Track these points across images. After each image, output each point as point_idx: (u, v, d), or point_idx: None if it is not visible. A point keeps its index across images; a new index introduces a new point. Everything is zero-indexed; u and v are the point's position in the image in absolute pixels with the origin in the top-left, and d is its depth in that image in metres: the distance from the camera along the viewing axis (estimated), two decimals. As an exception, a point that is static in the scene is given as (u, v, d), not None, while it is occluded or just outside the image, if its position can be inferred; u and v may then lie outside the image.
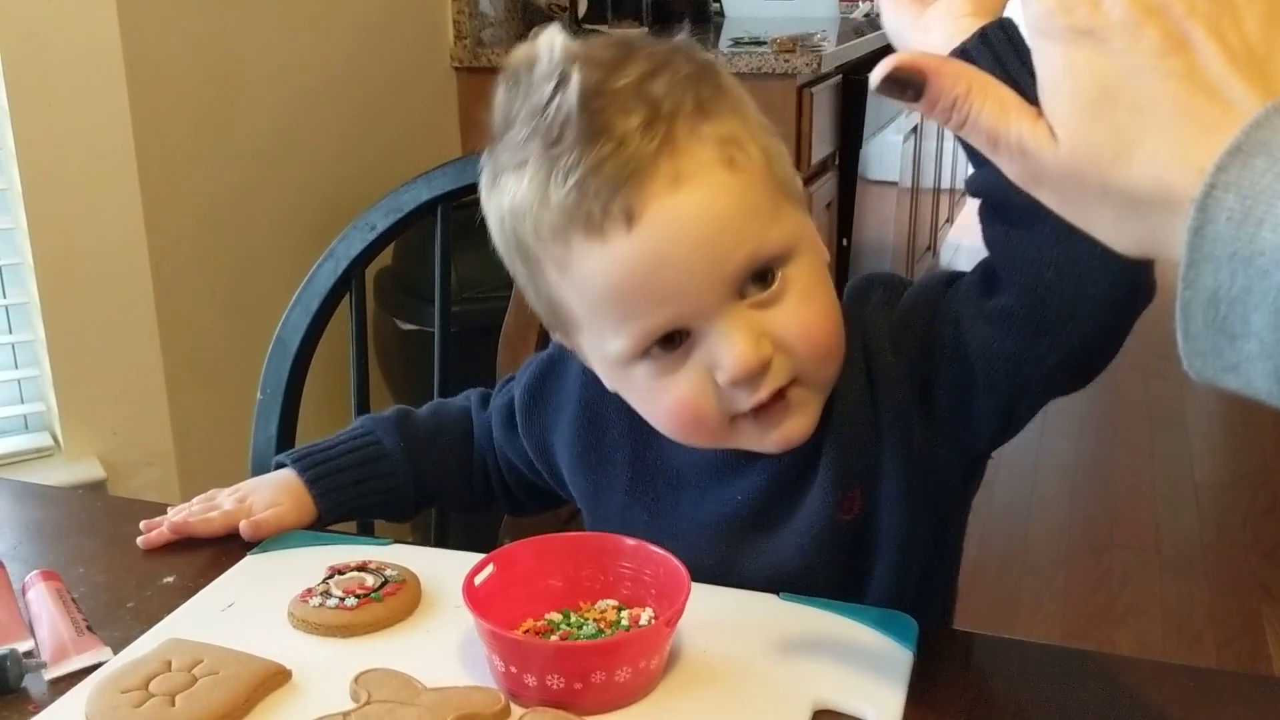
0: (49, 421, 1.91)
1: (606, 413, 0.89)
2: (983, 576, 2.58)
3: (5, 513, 0.98)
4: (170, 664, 0.71)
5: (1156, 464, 3.16)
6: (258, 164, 2.08)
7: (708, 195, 0.71)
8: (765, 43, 2.55)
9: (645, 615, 0.74)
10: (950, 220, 4.83)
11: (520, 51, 0.75)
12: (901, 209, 3.65)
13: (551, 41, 0.73)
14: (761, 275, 0.74)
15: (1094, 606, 2.52)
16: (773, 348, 0.74)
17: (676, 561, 0.73)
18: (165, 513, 0.93)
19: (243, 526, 0.90)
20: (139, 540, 0.90)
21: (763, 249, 0.73)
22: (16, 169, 1.73)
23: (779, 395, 0.75)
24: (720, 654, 0.73)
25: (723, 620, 0.76)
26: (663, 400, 0.77)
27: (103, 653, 0.75)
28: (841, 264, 2.91)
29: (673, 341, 0.74)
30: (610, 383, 0.82)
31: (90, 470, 1.87)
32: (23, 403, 1.91)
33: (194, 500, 0.94)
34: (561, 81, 0.71)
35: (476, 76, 2.59)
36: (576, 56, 0.72)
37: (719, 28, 3.27)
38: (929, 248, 4.35)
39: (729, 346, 0.72)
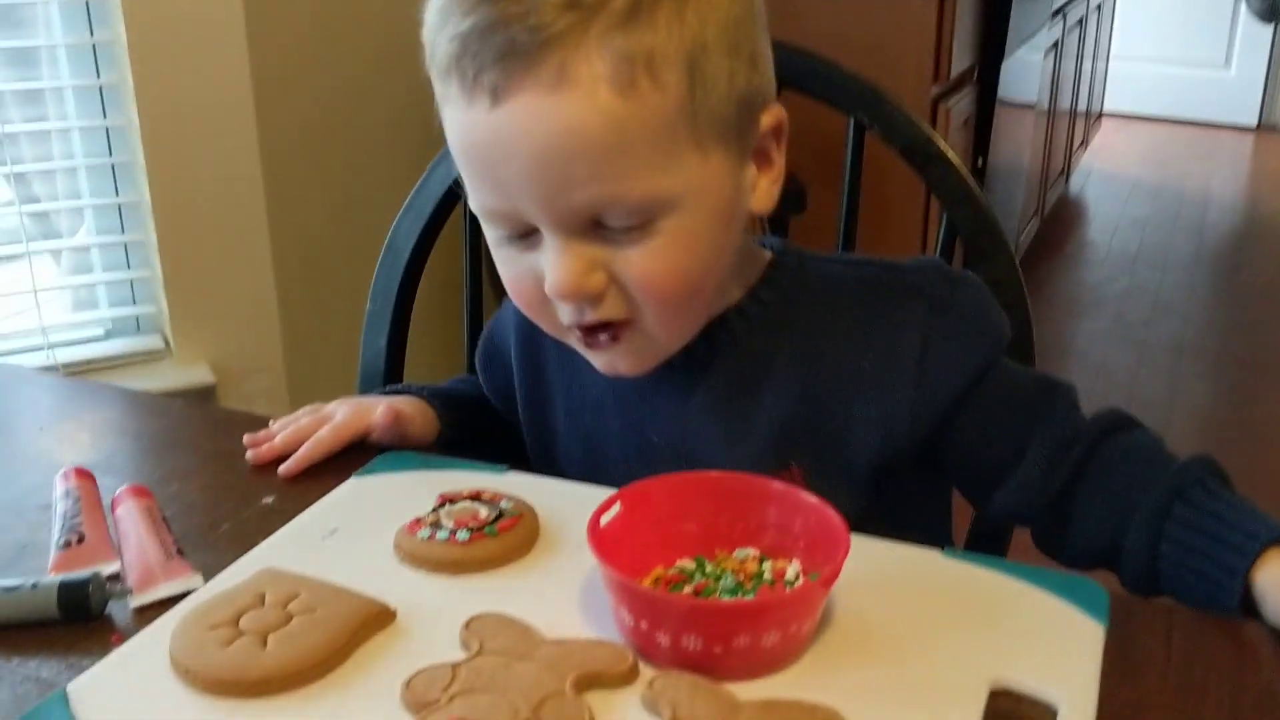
0: (160, 323, 1.88)
1: (543, 349, 0.85)
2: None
3: (103, 420, 0.92)
4: (264, 598, 0.64)
5: (1305, 409, 2.96)
6: (371, 62, 2.00)
7: (578, 112, 0.63)
8: (907, -58, 2.38)
9: (792, 569, 0.65)
10: (1085, 144, 4.58)
11: None
12: (1038, 131, 3.44)
13: None
14: (619, 217, 0.67)
15: None
16: (606, 281, 0.69)
17: (832, 512, 0.63)
18: (268, 425, 0.86)
19: (382, 412, 0.83)
20: (248, 456, 0.83)
21: (620, 196, 0.66)
22: (129, 65, 1.68)
23: (610, 331, 0.72)
24: (878, 618, 0.63)
25: (879, 577, 0.67)
26: (505, 271, 0.74)
27: (192, 580, 0.69)
28: (977, 185, 2.75)
29: (524, 235, 0.70)
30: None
31: (200, 375, 1.84)
32: (135, 304, 1.88)
33: (300, 412, 0.87)
34: None
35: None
36: None
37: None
38: (1062, 172, 4.12)
39: (553, 264, 0.68)
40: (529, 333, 0.84)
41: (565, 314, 0.71)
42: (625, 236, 0.68)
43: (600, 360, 0.75)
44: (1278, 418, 2.92)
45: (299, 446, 0.83)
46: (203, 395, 1.85)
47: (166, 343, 1.87)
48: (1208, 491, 0.70)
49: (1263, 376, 3.16)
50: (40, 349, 1.80)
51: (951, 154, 0.99)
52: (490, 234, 0.73)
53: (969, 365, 0.76)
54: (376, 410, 0.84)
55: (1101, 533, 0.72)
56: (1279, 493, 2.57)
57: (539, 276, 0.70)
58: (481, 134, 0.66)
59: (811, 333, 0.78)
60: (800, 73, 1.01)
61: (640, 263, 0.68)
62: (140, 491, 0.76)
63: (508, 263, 0.73)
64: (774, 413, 0.78)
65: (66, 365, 1.79)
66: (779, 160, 0.75)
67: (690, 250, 0.69)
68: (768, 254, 0.81)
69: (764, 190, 0.74)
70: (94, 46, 1.73)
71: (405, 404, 0.86)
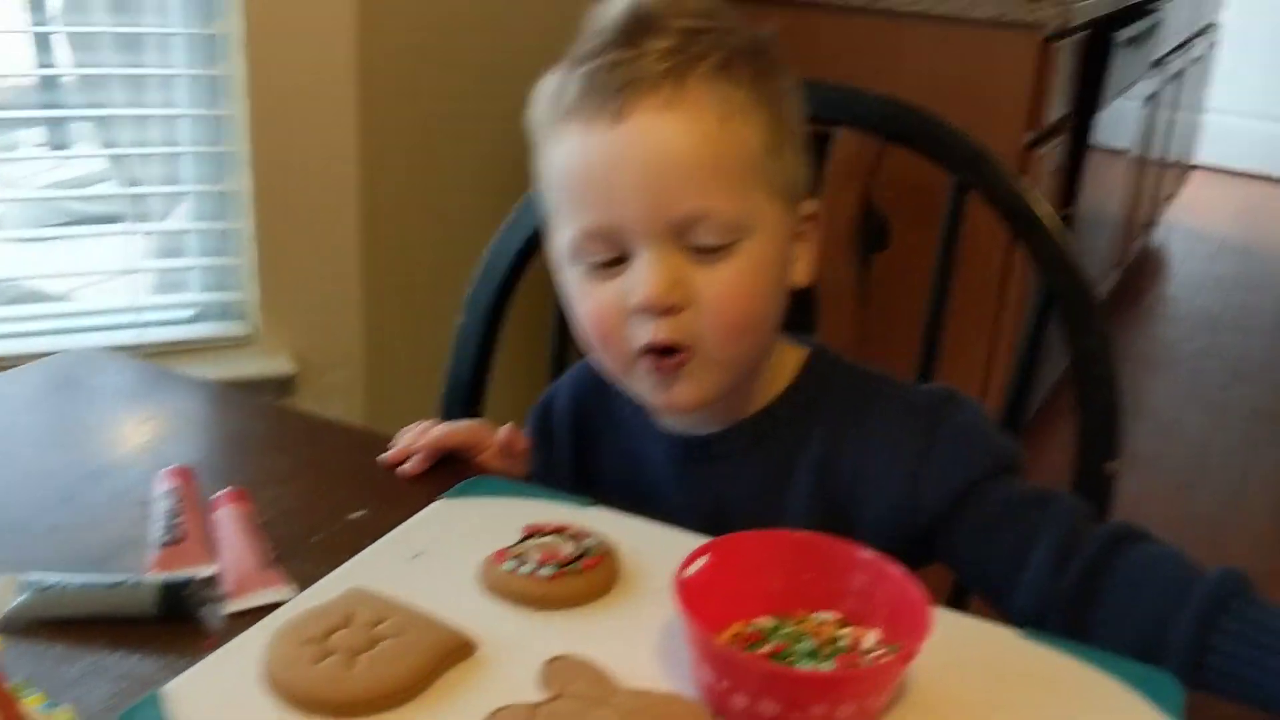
0: (248, 311, 1.92)
1: (595, 428, 0.92)
2: (1175, 586, 2.41)
3: (200, 415, 0.95)
4: (352, 617, 0.66)
5: (1382, 487, 2.90)
6: (482, 77, 2.03)
7: (686, 129, 0.74)
8: (1011, -12, 2.37)
9: (870, 638, 0.65)
10: (1173, 196, 4.52)
11: None
12: (1127, 180, 3.41)
13: None
14: (708, 234, 0.75)
15: None
16: (684, 298, 0.76)
17: (917, 586, 0.64)
18: (388, 443, 0.90)
19: (506, 431, 0.90)
20: (396, 464, 0.88)
21: (716, 210, 0.74)
22: (244, 59, 1.73)
23: (676, 356, 0.77)
24: (951, 695, 0.64)
25: (954, 652, 0.67)
26: (585, 304, 0.80)
27: (286, 590, 0.71)
28: (1061, 235, 2.72)
29: (610, 264, 0.77)
30: (559, 280, 0.83)
31: (282, 364, 1.88)
32: (225, 291, 1.93)
33: (401, 433, 0.91)
34: (624, 3, 0.77)
35: (700, 0, 2.49)
36: None
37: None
38: (1148, 224, 4.07)
39: (646, 273, 0.75)
40: (583, 408, 0.92)
41: (642, 332, 0.77)
42: (710, 258, 0.76)
43: (662, 390, 0.80)
44: (1352, 495, 2.86)
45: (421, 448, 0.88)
46: (283, 385, 1.89)
47: (252, 330, 1.91)
48: (1250, 602, 0.71)
49: (1339, 451, 3.10)
50: (130, 327, 1.85)
51: (1055, 222, 0.99)
52: (574, 271, 0.80)
53: (963, 473, 0.81)
54: (499, 431, 0.90)
55: (1129, 643, 0.72)
56: (1348, 573, 2.53)
57: (623, 296, 0.77)
58: (599, 152, 0.75)
59: (830, 438, 0.84)
60: (907, 128, 1.02)
61: (719, 284, 0.76)
62: (240, 496, 0.79)
63: (588, 295, 0.79)
64: (795, 510, 0.84)
65: (153, 345, 1.84)
66: (813, 247, 0.84)
67: (760, 278, 0.78)
68: (804, 352, 0.88)
69: (803, 265, 0.84)
70: (211, 38, 1.77)
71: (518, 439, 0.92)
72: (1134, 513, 2.97)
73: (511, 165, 2.10)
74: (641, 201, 0.74)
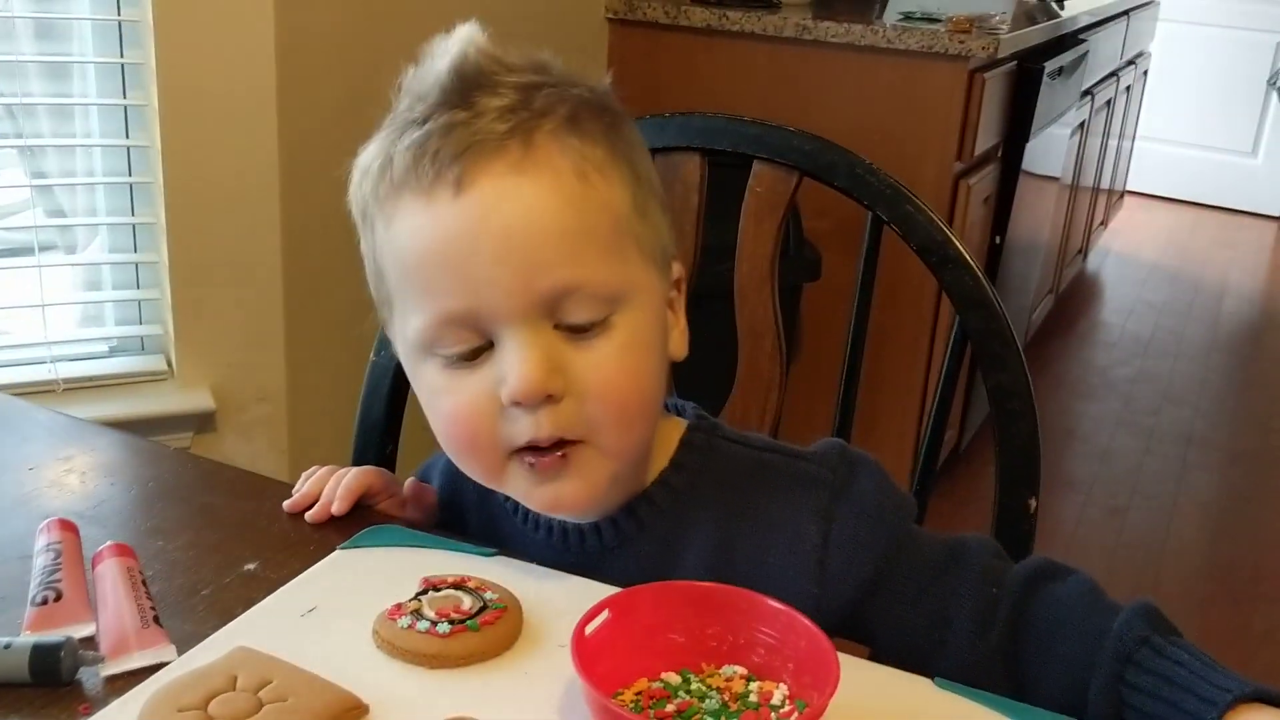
0: (165, 346, 1.87)
1: (463, 515, 0.85)
2: (1108, 612, 2.42)
3: (92, 464, 0.91)
4: (236, 680, 0.63)
5: (1310, 511, 2.94)
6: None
7: (546, 193, 0.66)
8: (939, 20, 2.39)
9: (779, 693, 0.63)
10: (1105, 224, 4.58)
11: (435, 42, 0.72)
12: (1059, 208, 3.44)
13: (463, 31, 0.71)
14: (580, 310, 0.68)
15: (1229, 659, 2.32)
16: (564, 386, 0.68)
17: (824, 639, 0.62)
18: (290, 489, 0.86)
19: (410, 484, 0.86)
20: (302, 510, 0.83)
21: (588, 280, 0.67)
22: (156, 88, 1.68)
23: (560, 450, 0.69)
24: (862, 750, 0.62)
25: (865, 705, 0.65)
26: (445, 404, 0.71)
27: (166, 651, 0.67)
28: (993, 262, 2.74)
29: (470, 355, 0.69)
30: (410, 372, 0.75)
31: (201, 400, 1.83)
32: (141, 324, 1.88)
33: (303, 478, 0.87)
34: (448, 56, 0.70)
35: (630, 29, 2.49)
36: (478, 46, 0.70)
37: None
38: (1080, 250, 4.12)
39: (518, 361, 0.66)
40: (456, 491, 0.85)
41: (520, 429, 0.69)
42: (585, 337, 0.68)
43: (546, 492, 0.72)
44: (1278, 518, 2.90)
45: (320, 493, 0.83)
46: (202, 421, 1.84)
47: (170, 365, 1.86)
48: (1156, 650, 0.68)
49: (1269, 473, 3.14)
50: (44, 361, 1.79)
51: (968, 257, 0.98)
52: (428, 365, 0.71)
53: (870, 554, 0.76)
54: (405, 481, 0.85)
55: (1059, 696, 0.71)
56: (1274, 595, 2.55)
57: (492, 390, 0.68)
58: (446, 226, 0.66)
59: (720, 516, 0.77)
60: (823, 166, 1.01)
61: (600, 363, 0.68)
62: (123, 550, 0.75)
63: (449, 393, 0.70)
64: None
65: (68, 380, 1.79)
66: (682, 315, 0.78)
67: (643, 354, 0.71)
68: (680, 424, 0.80)
69: (676, 337, 0.77)
70: (122, 67, 1.73)
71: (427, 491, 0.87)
72: (1070, 537, 3.00)
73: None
74: (502, 279, 0.66)
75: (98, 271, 1.86)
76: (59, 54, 1.74)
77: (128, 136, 1.77)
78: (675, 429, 0.80)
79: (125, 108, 1.75)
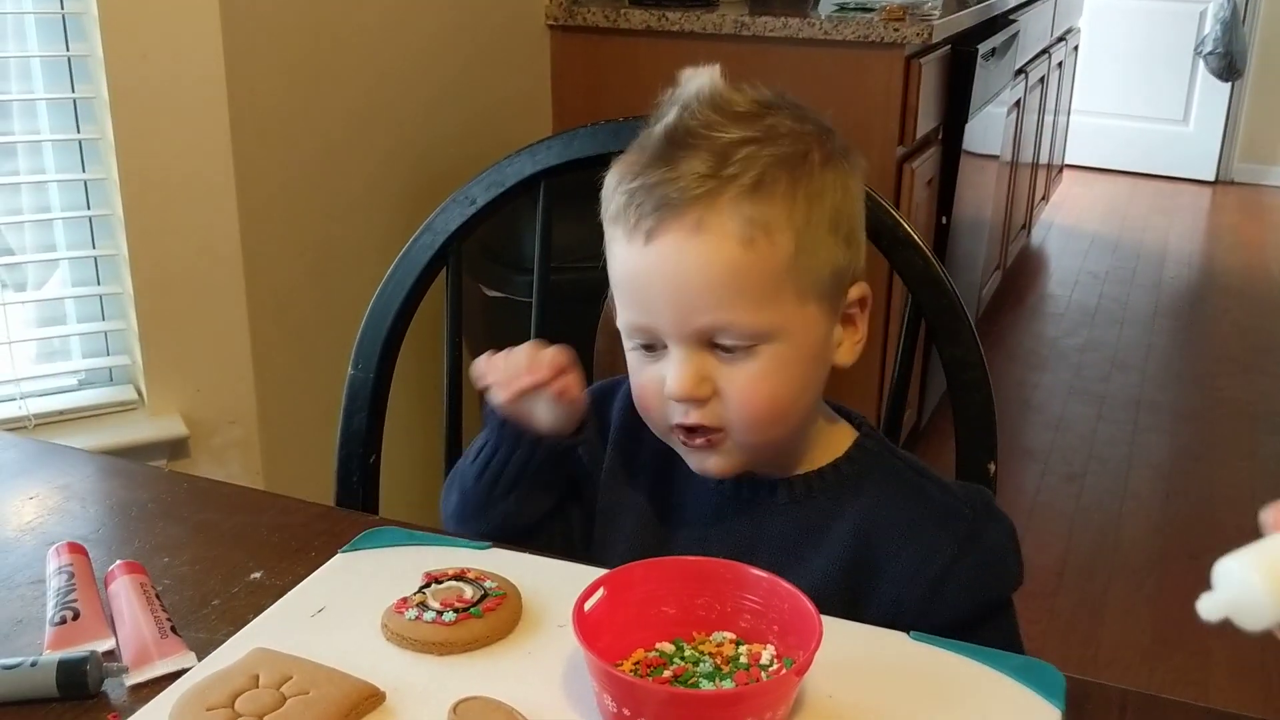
0: (134, 375, 1.89)
1: (640, 444, 0.93)
2: (1070, 575, 2.49)
3: (90, 490, 0.94)
4: (258, 678, 0.66)
5: (1258, 465, 3.03)
6: (349, 122, 2.03)
7: (709, 255, 0.79)
8: (873, 9, 2.45)
9: (767, 654, 0.68)
10: (1046, 198, 4.68)
11: (685, 74, 0.85)
12: (1000, 185, 3.53)
13: (699, 77, 0.84)
14: (729, 339, 0.81)
15: (1188, 613, 2.36)
16: (713, 392, 0.82)
17: (806, 601, 0.67)
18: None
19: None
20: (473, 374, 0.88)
21: (734, 323, 0.80)
22: (110, 119, 1.70)
23: (706, 436, 0.83)
24: (847, 700, 0.67)
25: (848, 660, 0.70)
26: (635, 378, 0.87)
27: (186, 658, 0.71)
28: (940, 242, 2.81)
29: (652, 347, 0.84)
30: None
31: (173, 427, 1.85)
32: (109, 355, 1.89)
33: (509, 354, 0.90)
34: (676, 109, 0.83)
35: (571, 35, 2.52)
36: (705, 98, 0.82)
37: (821, -9, 3.16)
38: (1024, 225, 4.21)
39: (675, 370, 0.82)
40: (631, 435, 0.94)
41: (675, 413, 0.84)
42: (733, 357, 0.81)
43: (694, 459, 0.86)
44: (1228, 474, 2.99)
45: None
46: (175, 447, 1.86)
47: (140, 395, 1.88)
48: None
49: (1216, 430, 3.23)
50: (12, 399, 1.80)
51: (918, 238, 1.03)
52: (628, 343, 0.87)
53: (974, 601, 0.84)
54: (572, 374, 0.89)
55: None
56: (1229, 548, 2.63)
57: (661, 380, 0.83)
58: (636, 265, 0.82)
59: (871, 511, 0.86)
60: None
61: (741, 381, 0.82)
62: (133, 567, 0.78)
63: (637, 369, 0.86)
64: (819, 571, 0.85)
65: (38, 415, 1.80)
66: (862, 327, 0.89)
67: (782, 378, 0.82)
68: (853, 433, 0.91)
69: (846, 348, 0.88)
70: (75, 102, 1.75)
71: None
72: (1031, 505, 3.07)
73: (389, 212, 2.12)
74: (669, 312, 0.81)
75: (59, 308, 1.87)
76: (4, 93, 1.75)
77: (84, 170, 1.78)
78: (845, 434, 0.91)
79: (80, 142, 1.76)
